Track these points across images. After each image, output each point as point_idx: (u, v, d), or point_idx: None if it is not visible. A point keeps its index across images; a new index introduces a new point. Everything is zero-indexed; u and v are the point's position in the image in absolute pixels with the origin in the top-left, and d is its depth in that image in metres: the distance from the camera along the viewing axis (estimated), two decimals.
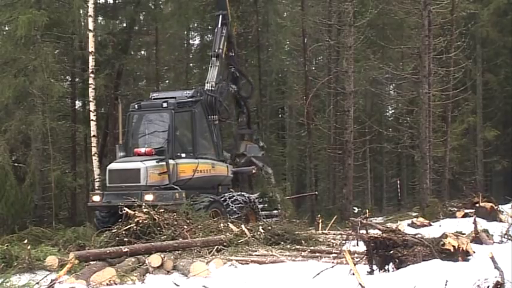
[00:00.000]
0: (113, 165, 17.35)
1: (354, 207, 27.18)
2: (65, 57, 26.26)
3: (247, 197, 17.50)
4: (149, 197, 15.43)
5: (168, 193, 15.87)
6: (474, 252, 9.08)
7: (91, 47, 20.95)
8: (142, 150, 16.72)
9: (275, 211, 19.31)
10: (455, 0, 27.08)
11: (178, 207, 14.87)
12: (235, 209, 16.80)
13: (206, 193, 16.89)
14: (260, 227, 13.78)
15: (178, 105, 17.26)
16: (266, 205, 19.30)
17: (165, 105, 17.12)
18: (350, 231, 13.57)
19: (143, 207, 13.55)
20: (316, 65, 35.29)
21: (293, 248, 12.60)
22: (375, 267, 8.68)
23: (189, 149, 17.40)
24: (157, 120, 17.42)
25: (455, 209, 18.56)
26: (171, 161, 16.38)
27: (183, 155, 17.06)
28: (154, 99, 18.18)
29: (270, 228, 13.66)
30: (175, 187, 16.15)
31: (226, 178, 18.31)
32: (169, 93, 18.91)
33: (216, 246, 12.37)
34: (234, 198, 17.12)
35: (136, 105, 17.81)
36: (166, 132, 16.94)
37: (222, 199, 17.02)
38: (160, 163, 16.28)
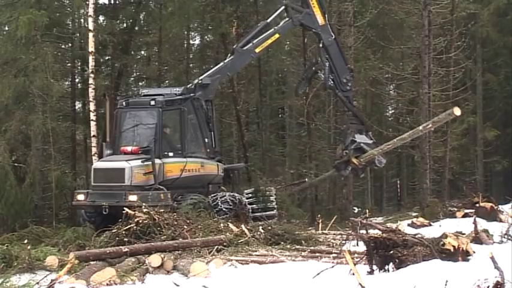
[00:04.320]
0: (98, 164, 17.19)
1: (354, 207, 27.17)
2: (65, 57, 26.27)
3: (238, 199, 17.07)
4: (133, 198, 15.23)
5: (152, 194, 15.59)
6: (474, 252, 9.08)
7: (91, 47, 20.94)
8: (129, 148, 16.47)
9: (270, 211, 19.04)
10: (455, 0, 27.12)
11: (164, 208, 14.58)
12: (224, 209, 16.49)
13: (196, 192, 16.68)
14: (260, 227, 13.79)
15: (167, 103, 16.94)
16: (260, 203, 19.00)
17: (152, 103, 16.78)
18: (350, 231, 13.56)
19: (143, 207, 13.55)
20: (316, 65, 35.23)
21: (293, 248, 12.61)
22: (375, 267, 8.68)
23: (178, 148, 17.06)
24: (145, 118, 17.09)
25: (455, 209, 18.54)
26: (157, 161, 16.11)
27: (171, 154, 16.74)
28: (144, 95, 17.90)
29: (270, 228, 13.67)
30: (161, 187, 15.89)
31: (216, 176, 17.99)
32: (159, 90, 18.67)
33: (216, 246, 12.37)
34: (225, 199, 16.76)
35: (124, 103, 17.48)
36: (153, 131, 16.67)
37: (213, 198, 16.73)
38: (145, 163, 15.99)
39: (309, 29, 19.68)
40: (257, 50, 18.71)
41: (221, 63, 18.76)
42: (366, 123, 20.61)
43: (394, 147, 20.64)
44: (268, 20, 19.08)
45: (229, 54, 18.99)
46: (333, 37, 19.40)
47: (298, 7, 19.61)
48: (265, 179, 23.54)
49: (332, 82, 19.30)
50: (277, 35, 18.89)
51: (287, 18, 18.99)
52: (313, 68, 20.45)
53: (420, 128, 19.09)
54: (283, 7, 19.25)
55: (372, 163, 19.60)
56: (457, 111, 17.14)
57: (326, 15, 19.33)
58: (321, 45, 19.24)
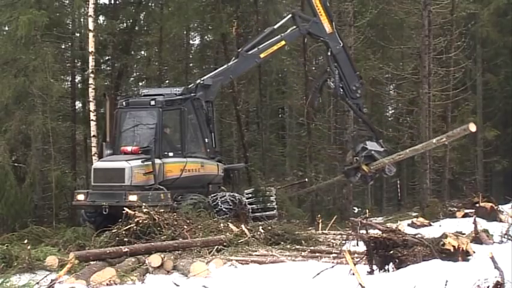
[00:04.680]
0: (98, 164, 17.19)
1: (354, 207, 27.15)
2: (65, 57, 26.27)
3: (238, 199, 17.05)
4: (133, 198, 15.24)
5: (152, 194, 15.59)
6: (474, 252, 9.08)
7: (91, 47, 20.95)
8: (129, 148, 16.47)
9: (270, 211, 18.99)
10: (455, 0, 27.13)
11: (164, 208, 14.58)
12: (224, 209, 16.47)
13: (196, 192, 16.67)
14: (260, 227, 13.79)
15: (167, 103, 16.92)
16: (260, 203, 18.93)
17: (152, 103, 16.77)
18: (350, 231, 13.56)
19: (143, 207, 13.56)
20: (316, 65, 35.25)
21: (293, 248, 12.61)
22: (375, 267, 8.68)
23: (178, 148, 17.05)
24: (145, 118, 17.08)
25: (455, 209, 18.54)
26: (157, 161, 16.11)
27: (171, 154, 16.74)
28: (144, 95, 17.90)
29: (270, 228, 13.67)
30: (161, 187, 15.90)
31: (216, 177, 17.98)
32: (159, 90, 18.66)
33: (216, 246, 12.37)
34: (225, 199, 16.76)
35: (124, 103, 17.46)
36: (153, 131, 16.66)
37: (213, 198, 16.73)
38: (145, 163, 15.98)
39: (317, 38, 19.49)
40: (262, 56, 18.62)
41: (225, 66, 18.77)
42: (376, 131, 20.40)
43: (405, 158, 20.54)
44: (276, 26, 19.01)
45: (233, 58, 18.99)
46: (341, 45, 19.12)
47: (305, 16, 19.52)
48: (271, 180, 23.51)
49: (342, 90, 19.05)
50: (283, 42, 18.77)
51: (294, 26, 18.85)
52: (323, 77, 20.28)
53: (434, 140, 18.99)
54: (290, 15, 19.20)
55: (381, 171, 19.52)
56: (472, 127, 16.94)
57: (333, 23, 19.12)
58: (329, 53, 18.98)
